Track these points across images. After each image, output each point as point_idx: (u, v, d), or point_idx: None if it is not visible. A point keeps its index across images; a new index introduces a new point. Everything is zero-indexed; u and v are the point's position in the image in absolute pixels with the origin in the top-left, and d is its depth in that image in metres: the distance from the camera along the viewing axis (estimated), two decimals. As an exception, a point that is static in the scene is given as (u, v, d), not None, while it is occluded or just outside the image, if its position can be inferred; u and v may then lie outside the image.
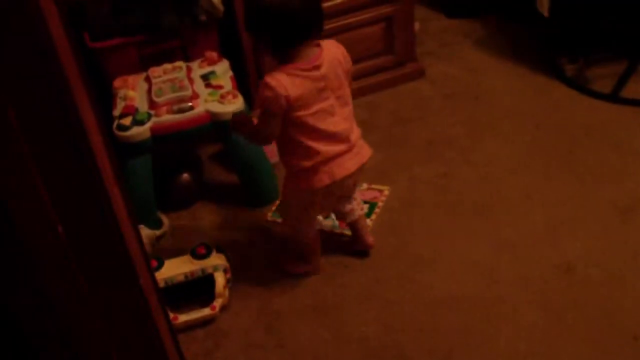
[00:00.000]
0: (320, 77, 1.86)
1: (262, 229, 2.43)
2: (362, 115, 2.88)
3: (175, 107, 2.37)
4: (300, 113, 1.87)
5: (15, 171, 0.83)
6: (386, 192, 2.49)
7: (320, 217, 2.37)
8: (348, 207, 2.17)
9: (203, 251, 2.15)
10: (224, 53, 2.77)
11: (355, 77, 2.92)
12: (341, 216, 2.22)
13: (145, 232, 2.38)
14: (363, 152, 2.02)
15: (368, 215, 2.40)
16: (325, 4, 2.73)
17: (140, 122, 2.32)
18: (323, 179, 1.94)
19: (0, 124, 0.80)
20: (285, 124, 1.90)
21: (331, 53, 1.90)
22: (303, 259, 2.22)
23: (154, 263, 2.13)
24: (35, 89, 0.82)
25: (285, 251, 2.30)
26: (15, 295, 0.92)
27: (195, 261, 2.13)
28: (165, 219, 2.47)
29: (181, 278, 2.12)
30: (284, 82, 1.82)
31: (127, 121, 2.33)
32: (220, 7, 2.64)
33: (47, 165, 0.85)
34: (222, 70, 2.53)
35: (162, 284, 2.10)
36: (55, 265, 0.90)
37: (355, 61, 2.86)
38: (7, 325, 0.95)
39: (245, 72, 2.81)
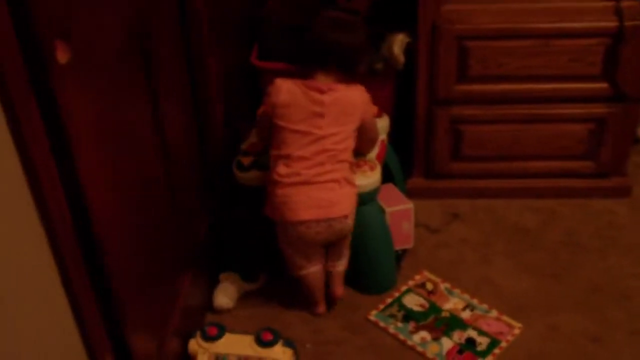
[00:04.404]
0: (320, 101, 1.89)
1: (359, 326, 2.07)
2: (530, 221, 2.40)
3: (303, 161, 2.08)
4: (282, 122, 1.90)
5: None
6: (516, 332, 2.02)
7: (428, 337, 1.99)
8: (330, 264, 2.07)
9: (268, 338, 1.86)
10: (398, 108, 2.45)
11: (540, 174, 2.47)
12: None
13: (236, 283, 2.14)
14: (330, 209, 1.89)
15: (484, 354, 1.96)
16: (524, 86, 2.29)
17: (261, 167, 2.07)
18: (275, 213, 1.93)
19: None
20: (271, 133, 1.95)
21: (349, 94, 1.93)
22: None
23: (214, 331, 1.88)
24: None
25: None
26: None
27: (256, 347, 1.85)
28: (263, 276, 2.20)
29: (233, 359, 1.85)
30: (284, 87, 1.90)
31: (247, 160, 2.09)
32: (401, 58, 2.30)
33: None
34: (377, 130, 2.19)
35: (212, 357, 1.85)
36: None
37: (545, 157, 2.43)
38: None
39: (409, 134, 2.45)
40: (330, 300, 2.11)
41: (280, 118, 1.90)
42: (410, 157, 2.49)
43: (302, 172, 1.89)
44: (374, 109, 2.21)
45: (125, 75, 1.53)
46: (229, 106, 2.29)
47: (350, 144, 1.95)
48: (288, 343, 1.88)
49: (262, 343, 1.85)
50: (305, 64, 1.96)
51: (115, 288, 1.42)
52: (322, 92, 1.89)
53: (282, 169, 1.91)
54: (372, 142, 2.08)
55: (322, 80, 1.93)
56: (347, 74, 1.96)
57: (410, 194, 2.44)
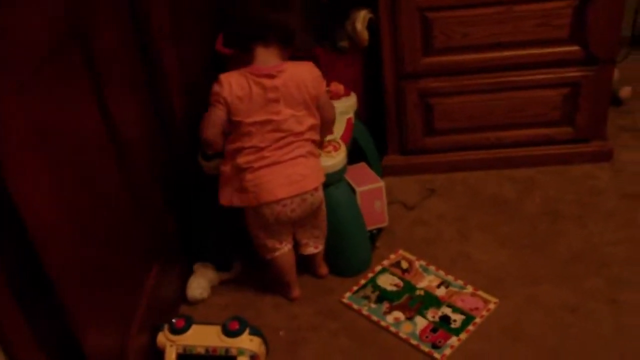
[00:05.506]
0: (272, 87, 1.84)
1: (333, 310, 2.04)
2: (508, 192, 2.35)
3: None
4: (239, 118, 1.85)
5: None
6: (491, 307, 1.98)
7: (402, 317, 1.96)
8: (303, 240, 2.06)
9: (235, 327, 1.84)
10: (367, 86, 2.40)
11: (517, 143, 2.42)
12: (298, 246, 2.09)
13: (209, 273, 2.13)
14: (303, 183, 1.89)
15: (458, 331, 1.93)
16: (491, 54, 2.23)
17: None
18: (247, 198, 1.90)
19: None
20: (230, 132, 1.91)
21: (298, 72, 1.87)
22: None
23: (182, 323, 1.86)
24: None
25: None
26: None
27: (223, 337, 1.83)
28: (237, 265, 2.18)
29: (201, 350, 1.83)
30: (232, 82, 1.84)
31: (211, 149, 2.06)
32: (365, 35, 2.26)
33: None
34: (342, 109, 2.15)
35: (180, 350, 1.84)
36: None
37: (519, 126, 2.37)
38: None
39: (381, 111, 2.40)
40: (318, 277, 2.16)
41: (236, 114, 1.86)
42: (384, 135, 2.45)
43: (268, 154, 1.87)
44: (340, 87, 2.18)
45: (63, 72, 1.50)
46: (192, 96, 2.26)
47: (312, 122, 1.91)
48: (255, 331, 1.86)
49: (229, 333, 1.83)
50: (243, 43, 1.90)
51: (61, 294, 1.40)
52: (271, 76, 1.84)
53: (247, 157, 1.88)
54: (328, 121, 2.00)
55: (263, 57, 1.86)
56: (286, 48, 1.90)
57: (386, 171, 2.41)
